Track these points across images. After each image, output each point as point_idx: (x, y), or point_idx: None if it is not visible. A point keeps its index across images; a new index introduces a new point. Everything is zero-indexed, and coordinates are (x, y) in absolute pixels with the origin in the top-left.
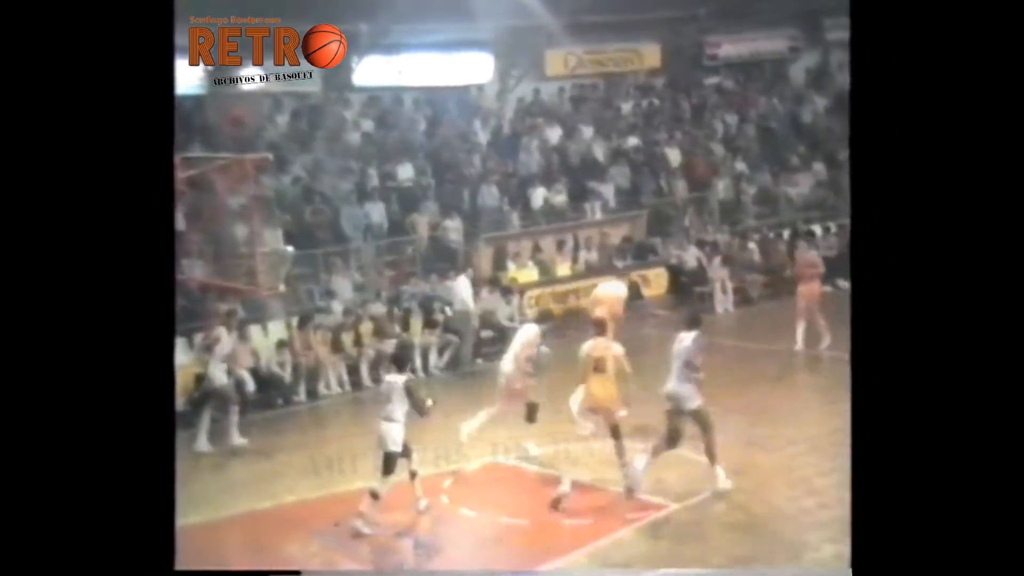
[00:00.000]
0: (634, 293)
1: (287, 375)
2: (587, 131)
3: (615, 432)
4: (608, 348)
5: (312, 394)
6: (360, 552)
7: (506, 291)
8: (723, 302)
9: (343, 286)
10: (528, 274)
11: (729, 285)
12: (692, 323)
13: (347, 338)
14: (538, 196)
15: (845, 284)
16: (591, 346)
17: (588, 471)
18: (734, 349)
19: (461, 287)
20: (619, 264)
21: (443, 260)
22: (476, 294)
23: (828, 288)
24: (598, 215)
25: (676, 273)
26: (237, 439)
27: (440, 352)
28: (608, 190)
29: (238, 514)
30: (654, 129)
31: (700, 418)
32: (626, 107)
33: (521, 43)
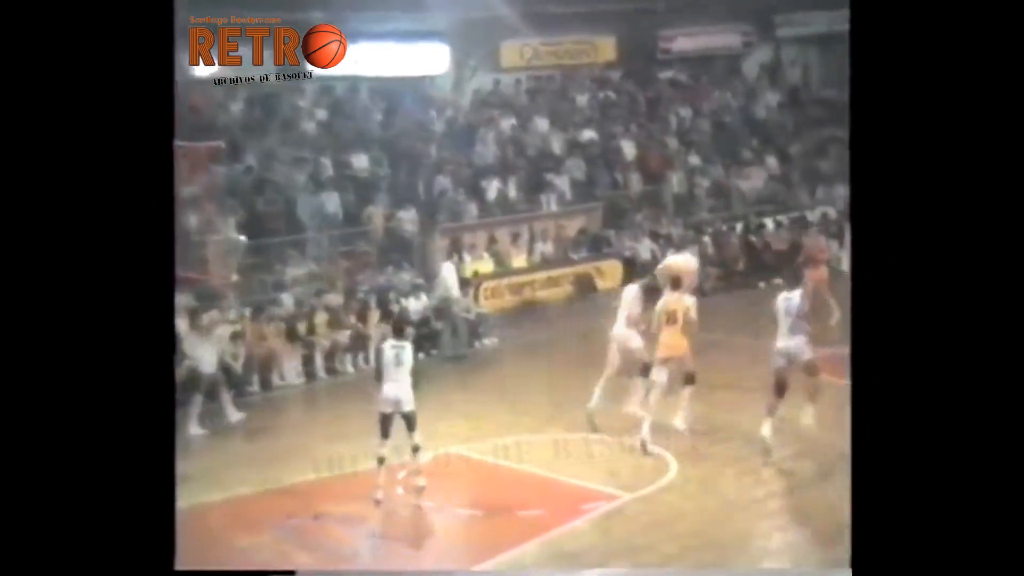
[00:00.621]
0: (588, 286)
1: (238, 366)
2: (543, 123)
3: (689, 378)
4: (680, 301)
5: (266, 385)
6: (312, 544)
7: (463, 282)
8: None
9: (298, 276)
10: (483, 266)
11: None
12: (794, 282)
13: (302, 328)
14: (493, 188)
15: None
16: (665, 300)
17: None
18: None
19: (446, 274)
20: (574, 256)
21: (398, 251)
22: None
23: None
24: (554, 207)
25: (630, 265)
26: (195, 429)
27: None
28: (564, 182)
29: (188, 506)
30: (610, 122)
31: (812, 368)
32: (582, 99)
33: (477, 34)
